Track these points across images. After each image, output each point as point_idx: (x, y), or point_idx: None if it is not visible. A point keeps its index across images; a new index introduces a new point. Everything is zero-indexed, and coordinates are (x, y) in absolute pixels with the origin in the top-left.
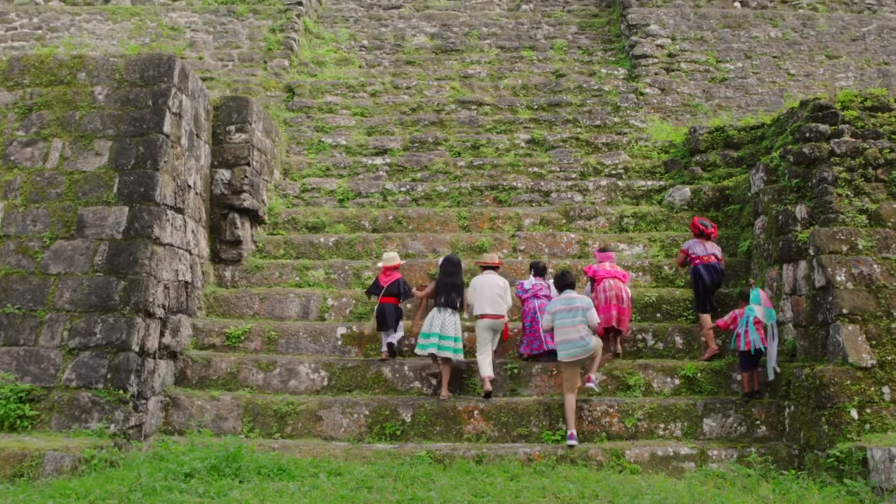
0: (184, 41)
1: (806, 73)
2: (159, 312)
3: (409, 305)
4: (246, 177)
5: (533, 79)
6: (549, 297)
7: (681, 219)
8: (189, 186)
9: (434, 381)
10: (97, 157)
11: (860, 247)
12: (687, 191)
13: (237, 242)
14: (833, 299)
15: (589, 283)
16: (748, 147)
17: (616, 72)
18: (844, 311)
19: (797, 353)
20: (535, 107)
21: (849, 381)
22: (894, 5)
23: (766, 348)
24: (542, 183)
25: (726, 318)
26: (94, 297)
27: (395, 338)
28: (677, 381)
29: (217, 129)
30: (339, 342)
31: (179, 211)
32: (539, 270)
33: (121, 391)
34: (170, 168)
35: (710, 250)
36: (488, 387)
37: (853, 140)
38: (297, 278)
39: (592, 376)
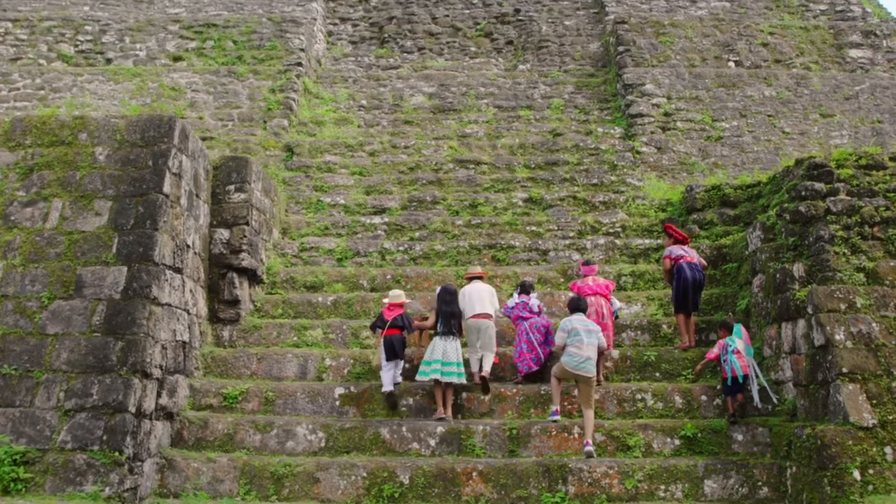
0: (184, 101)
1: (801, 131)
2: (156, 373)
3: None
4: (245, 236)
5: (530, 138)
6: (533, 314)
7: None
8: (188, 246)
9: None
10: (97, 217)
11: (858, 305)
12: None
13: (235, 302)
14: (833, 358)
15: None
16: (745, 205)
17: (613, 131)
18: (844, 370)
19: (798, 413)
20: (533, 166)
21: (851, 442)
22: (886, 65)
23: (745, 376)
24: (539, 242)
25: (714, 349)
26: (92, 357)
27: (398, 375)
28: (678, 442)
29: (216, 189)
30: (337, 402)
31: (178, 271)
32: (525, 288)
33: (116, 453)
34: (169, 228)
35: (690, 252)
36: (478, 380)
37: (849, 198)
38: (296, 338)
39: (589, 440)
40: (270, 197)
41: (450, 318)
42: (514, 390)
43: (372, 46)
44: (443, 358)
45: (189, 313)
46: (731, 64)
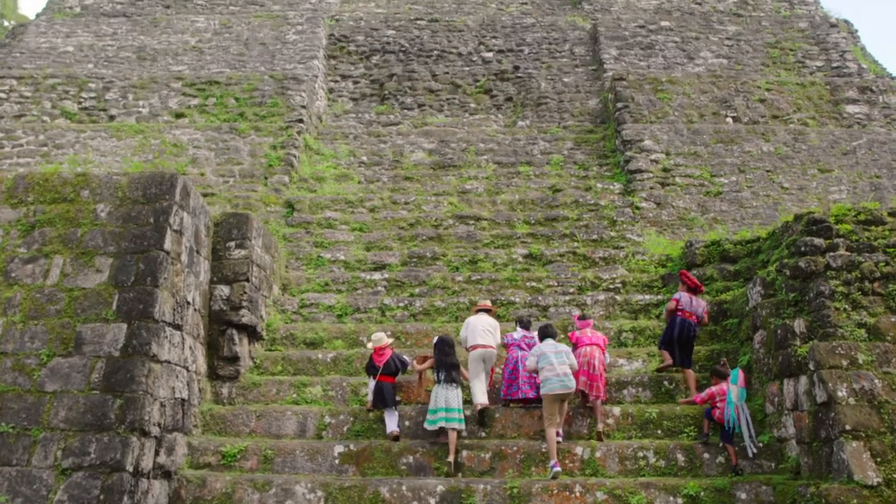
0: (186, 157)
1: (799, 186)
2: (155, 431)
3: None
4: (245, 293)
5: (530, 194)
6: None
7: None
8: (188, 303)
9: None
10: (97, 274)
11: (860, 361)
12: None
13: (235, 359)
14: (835, 415)
15: (571, 348)
16: (745, 261)
17: (612, 186)
18: (848, 427)
19: (801, 471)
20: (533, 221)
21: (855, 501)
22: (882, 120)
23: (740, 428)
24: (540, 297)
25: (703, 394)
26: (90, 415)
27: (395, 422)
28: (680, 501)
29: (217, 245)
30: (337, 461)
31: (178, 328)
32: (524, 324)
33: None
34: (169, 285)
35: (696, 306)
36: (479, 408)
37: (848, 254)
38: (295, 395)
39: (556, 462)
40: (271, 253)
41: (450, 367)
42: (515, 448)
43: (373, 103)
44: (446, 405)
45: (188, 370)
46: (729, 120)
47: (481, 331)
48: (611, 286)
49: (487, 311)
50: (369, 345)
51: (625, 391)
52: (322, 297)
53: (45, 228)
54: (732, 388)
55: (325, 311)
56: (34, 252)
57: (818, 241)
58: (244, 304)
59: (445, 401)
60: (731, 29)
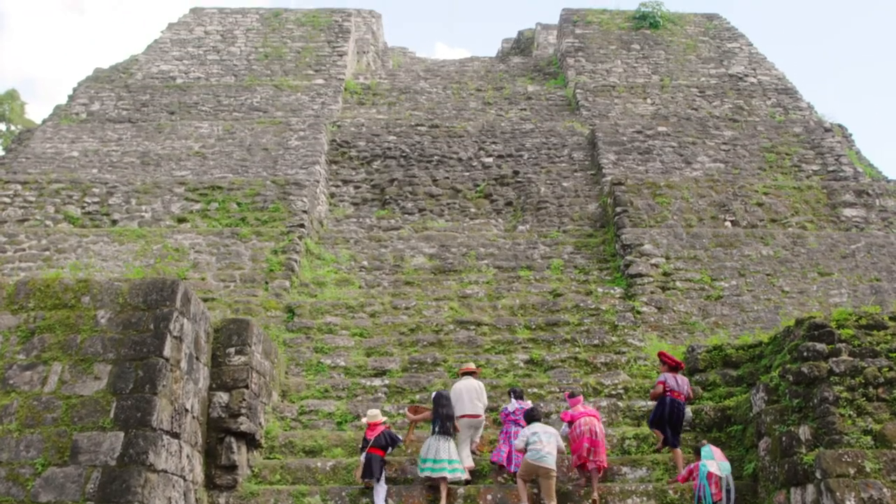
0: (187, 262)
1: (800, 289)
2: None
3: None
4: (244, 400)
5: (530, 298)
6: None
7: (684, 440)
8: (186, 410)
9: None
10: (96, 381)
11: (868, 470)
12: (688, 411)
13: (233, 468)
14: None
15: (566, 425)
16: (747, 366)
17: (612, 291)
18: None
19: None
20: (534, 326)
21: None
22: (880, 223)
23: (720, 502)
24: (541, 404)
25: (683, 472)
26: None
27: (382, 498)
28: None
29: (217, 351)
30: None
31: (176, 436)
32: (518, 394)
33: None
34: (168, 392)
35: (681, 384)
36: (467, 475)
37: (851, 359)
38: None
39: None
40: (271, 359)
41: (445, 420)
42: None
43: (374, 208)
44: (434, 456)
45: (185, 479)
46: (728, 224)
47: (468, 399)
48: (613, 392)
49: (472, 373)
50: (364, 419)
51: (629, 500)
52: (322, 404)
53: (44, 335)
54: (709, 464)
55: (324, 419)
56: (33, 359)
57: (820, 346)
58: (243, 411)
59: (435, 451)
60: (727, 134)
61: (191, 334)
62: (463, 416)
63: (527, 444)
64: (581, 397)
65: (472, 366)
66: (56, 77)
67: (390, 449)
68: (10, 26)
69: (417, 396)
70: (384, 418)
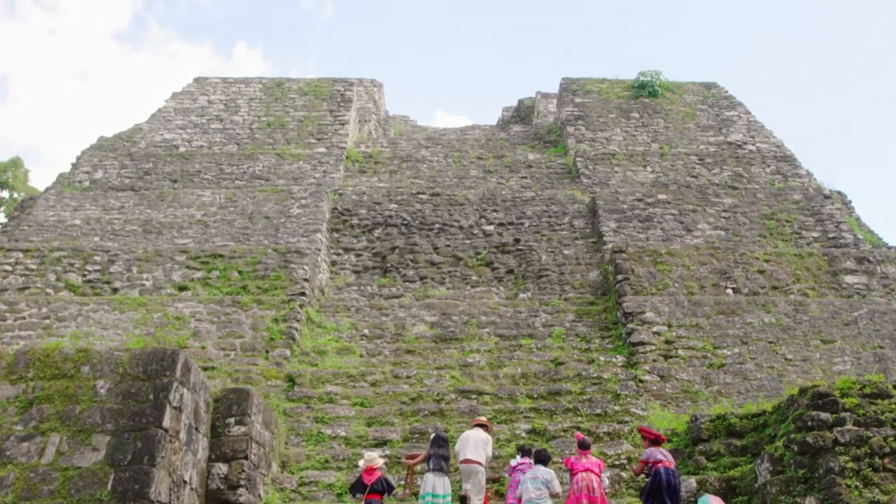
0: (188, 330)
1: (803, 357)
2: None
3: None
4: (243, 471)
5: (532, 367)
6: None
7: None
8: (185, 482)
9: None
10: (94, 453)
11: None
12: (692, 482)
13: None
14: None
15: (568, 473)
16: (751, 435)
17: (614, 359)
18: None
19: None
20: (535, 395)
21: None
22: (882, 290)
23: None
24: None
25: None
26: None
27: None
28: None
29: (216, 421)
30: None
31: None
32: (525, 451)
33: None
34: (167, 464)
35: (667, 455)
36: (462, 493)
37: (856, 428)
38: None
39: None
40: (270, 429)
41: (440, 458)
42: None
43: (375, 275)
44: (433, 491)
45: None
46: (729, 291)
47: (472, 446)
48: (616, 462)
49: (484, 426)
50: (361, 462)
51: None
52: (322, 475)
53: (43, 405)
54: None
55: (324, 490)
56: (31, 430)
57: (825, 415)
58: (242, 482)
59: (433, 486)
60: (727, 201)
61: (190, 404)
62: (463, 461)
63: (520, 494)
64: (588, 450)
65: (484, 419)
66: (60, 144)
67: (386, 495)
68: (13, 92)
69: (418, 468)
70: (381, 461)
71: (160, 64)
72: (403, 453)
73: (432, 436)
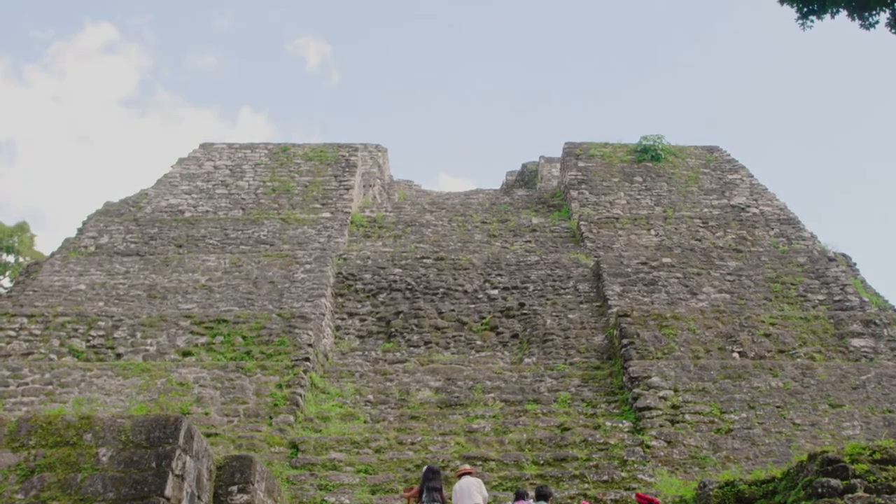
0: (191, 396)
1: (811, 422)
2: None
3: None
4: None
5: (538, 433)
6: None
7: None
8: None
9: None
10: None
11: None
12: None
13: None
14: None
15: None
16: (761, 502)
17: (621, 424)
18: None
19: None
20: (541, 462)
21: None
22: (889, 353)
23: None
24: None
25: None
26: None
27: None
28: None
29: (219, 490)
30: None
31: None
32: (520, 495)
33: None
34: None
35: None
36: None
37: (868, 495)
38: None
39: None
40: (274, 497)
41: (433, 490)
42: None
43: (379, 341)
44: None
45: None
46: (736, 355)
47: (467, 493)
48: None
49: (469, 473)
50: None
51: None
52: None
53: (44, 473)
54: None
55: None
56: (31, 499)
57: (835, 481)
58: None
59: None
60: (731, 264)
61: (193, 472)
62: None
63: None
64: None
65: (468, 467)
66: (65, 208)
67: None
68: (20, 157)
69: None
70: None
71: (166, 128)
72: None
73: (424, 468)
